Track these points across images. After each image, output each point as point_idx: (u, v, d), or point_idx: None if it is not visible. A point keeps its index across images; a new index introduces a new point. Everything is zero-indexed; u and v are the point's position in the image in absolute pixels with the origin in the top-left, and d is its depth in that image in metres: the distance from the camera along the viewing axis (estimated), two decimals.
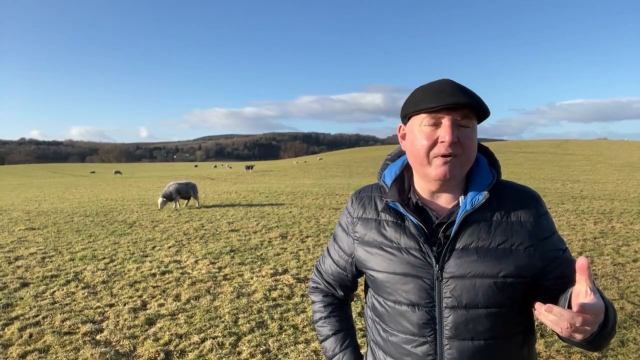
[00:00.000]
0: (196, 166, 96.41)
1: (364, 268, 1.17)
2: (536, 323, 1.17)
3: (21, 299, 4.61)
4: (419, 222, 1.06)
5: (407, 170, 1.18)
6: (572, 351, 3.27)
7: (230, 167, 63.30)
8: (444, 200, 1.10)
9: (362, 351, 1.30)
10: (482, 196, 1.04)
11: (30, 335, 3.68)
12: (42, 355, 3.35)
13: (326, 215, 10.17)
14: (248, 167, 41.55)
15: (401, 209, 1.09)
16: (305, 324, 3.88)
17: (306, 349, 3.40)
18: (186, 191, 12.46)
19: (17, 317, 4.07)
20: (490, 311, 1.01)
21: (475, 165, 1.11)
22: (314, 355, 3.30)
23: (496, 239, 1.03)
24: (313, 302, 1.37)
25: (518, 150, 53.45)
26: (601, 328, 0.87)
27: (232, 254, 6.54)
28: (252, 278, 5.27)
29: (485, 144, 1.23)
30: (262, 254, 6.50)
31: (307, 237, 7.71)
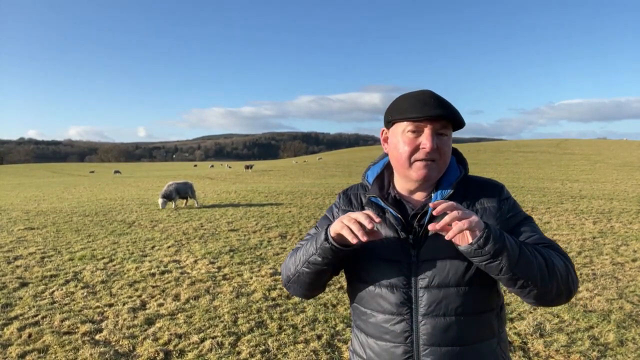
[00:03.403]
0: (195, 165, 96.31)
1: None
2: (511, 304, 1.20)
3: (20, 298, 4.61)
4: (397, 214, 1.20)
5: (387, 168, 1.32)
6: (571, 351, 3.28)
7: (230, 167, 63.28)
8: (419, 195, 1.25)
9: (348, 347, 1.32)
10: (450, 188, 1.21)
11: (30, 335, 3.68)
12: (41, 355, 3.35)
13: None
14: (247, 167, 41.54)
15: (382, 203, 1.23)
16: (304, 323, 3.88)
17: (306, 349, 3.40)
18: (184, 191, 12.47)
19: (16, 317, 4.07)
20: (460, 289, 1.13)
21: None
22: (314, 355, 3.30)
23: None
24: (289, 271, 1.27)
25: (517, 150, 53.45)
26: (492, 242, 0.99)
27: (231, 253, 6.54)
28: (251, 278, 5.27)
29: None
30: (261, 254, 6.50)
31: None
